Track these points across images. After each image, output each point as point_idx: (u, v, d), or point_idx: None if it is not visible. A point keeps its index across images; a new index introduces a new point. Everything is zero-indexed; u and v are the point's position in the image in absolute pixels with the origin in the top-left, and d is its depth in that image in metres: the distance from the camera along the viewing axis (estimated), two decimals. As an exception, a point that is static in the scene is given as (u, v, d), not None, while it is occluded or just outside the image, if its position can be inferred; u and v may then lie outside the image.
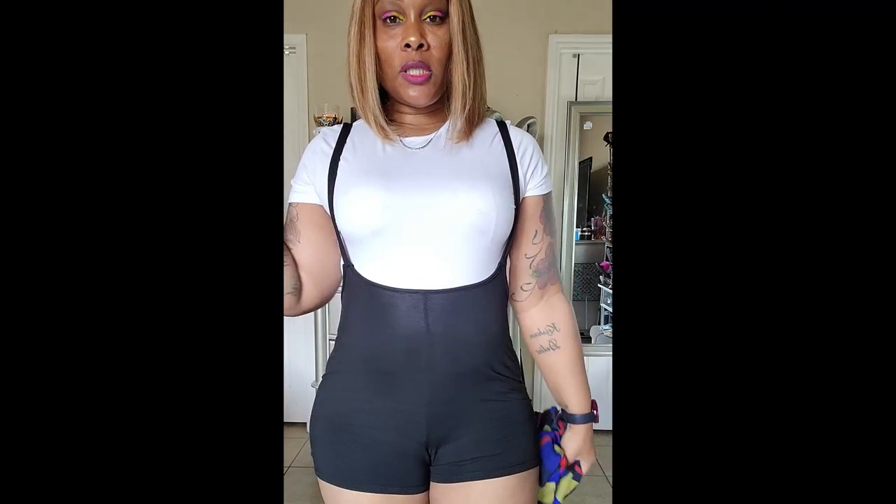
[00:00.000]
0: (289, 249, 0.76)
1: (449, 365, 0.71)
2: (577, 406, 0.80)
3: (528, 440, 0.77)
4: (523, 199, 0.76)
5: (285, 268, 0.73)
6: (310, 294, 0.77)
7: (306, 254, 0.76)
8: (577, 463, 0.81)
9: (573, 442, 0.80)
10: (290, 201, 0.78)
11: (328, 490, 0.76)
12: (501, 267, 0.74)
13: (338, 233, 0.74)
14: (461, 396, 0.72)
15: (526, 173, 0.75)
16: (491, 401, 0.74)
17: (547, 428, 0.82)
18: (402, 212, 0.68)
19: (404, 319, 0.69)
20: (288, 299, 0.74)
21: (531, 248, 0.77)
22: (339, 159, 0.74)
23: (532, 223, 0.77)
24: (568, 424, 0.81)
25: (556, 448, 0.80)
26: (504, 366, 0.76)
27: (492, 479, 0.73)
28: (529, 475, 0.76)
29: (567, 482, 0.80)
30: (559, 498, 0.81)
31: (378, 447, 0.72)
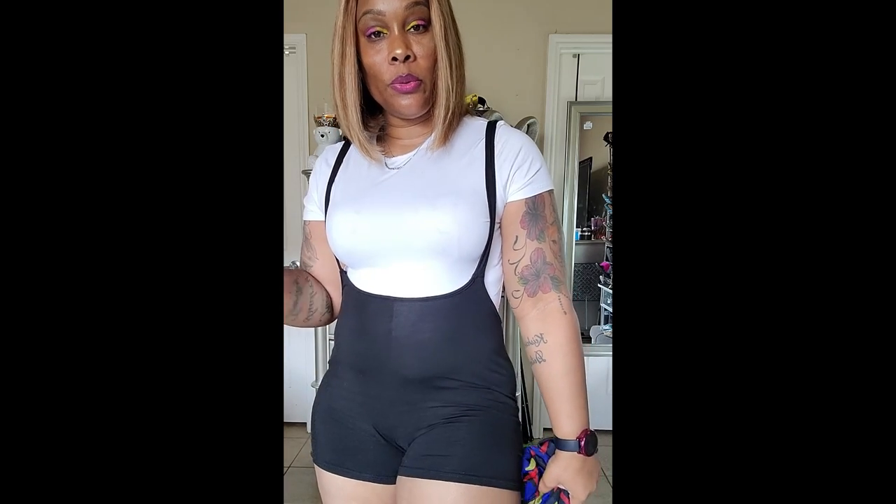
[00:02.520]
0: (308, 271, 0.85)
1: (414, 369, 0.72)
2: (561, 430, 0.72)
3: (507, 459, 0.73)
4: (505, 204, 0.74)
5: (316, 294, 0.82)
6: (337, 301, 0.85)
7: (325, 269, 0.84)
8: (563, 492, 0.73)
9: (553, 466, 0.72)
10: (304, 218, 0.85)
11: (317, 473, 0.82)
12: (476, 277, 0.73)
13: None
14: (431, 398, 0.73)
15: (505, 181, 0.73)
16: (466, 406, 0.73)
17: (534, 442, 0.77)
18: (369, 234, 0.72)
19: (373, 322, 0.74)
20: (326, 316, 0.85)
21: (513, 255, 0.74)
22: (333, 181, 0.80)
23: (512, 229, 0.74)
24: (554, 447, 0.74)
25: (532, 462, 0.75)
26: (490, 372, 0.75)
27: (451, 483, 0.69)
28: (499, 496, 0.70)
29: None
30: None
31: (356, 435, 0.77)
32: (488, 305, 0.75)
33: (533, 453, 0.76)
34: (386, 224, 0.71)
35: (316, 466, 0.81)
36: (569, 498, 0.73)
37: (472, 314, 0.74)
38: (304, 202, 0.85)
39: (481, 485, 0.69)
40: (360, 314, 0.75)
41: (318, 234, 0.82)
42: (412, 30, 0.69)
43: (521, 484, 0.74)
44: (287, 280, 0.78)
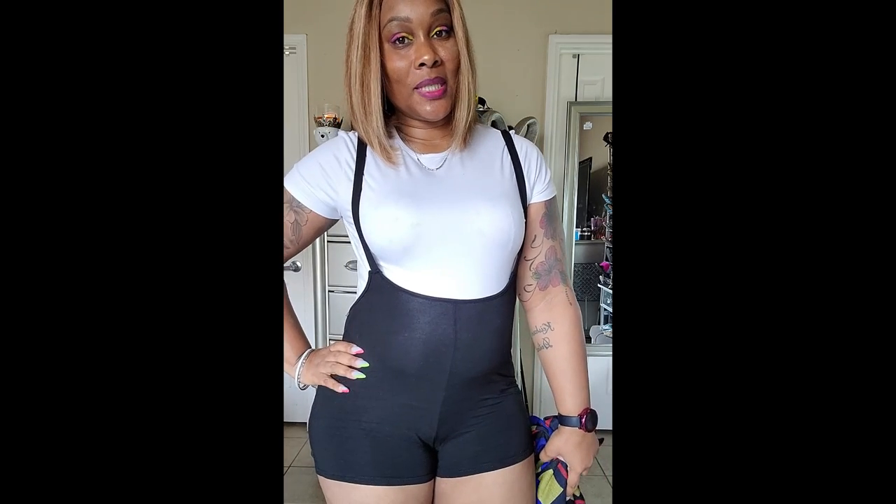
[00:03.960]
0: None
1: (468, 369, 0.75)
2: (565, 407, 0.81)
3: (524, 430, 0.83)
4: (528, 206, 0.80)
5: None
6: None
7: (293, 253, 0.82)
8: (561, 463, 0.80)
9: (555, 438, 0.81)
10: (302, 202, 0.77)
11: (334, 487, 0.77)
12: (513, 277, 0.79)
13: (364, 244, 0.75)
14: (471, 396, 0.77)
15: (532, 183, 0.80)
16: (495, 397, 0.80)
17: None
18: (430, 231, 0.71)
19: (432, 325, 0.72)
20: None
21: (531, 252, 0.81)
22: (363, 175, 0.75)
23: (532, 228, 0.81)
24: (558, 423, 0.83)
25: (534, 427, 0.86)
26: (505, 366, 0.82)
27: (497, 471, 0.78)
28: (530, 461, 0.82)
29: (547, 480, 0.80)
30: (540, 498, 0.80)
31: (388, 440, 0.76)
32: (515, 300, 0.82)
33: (537, 424, 0.86)
34: (450, 221, 0.72)
35: (334, 481, 0.77)
36: (566, 470, 0.79)
37: (510, 310, 0.79)
38: (299, 177, 0.77)
39: (511, 465, 0.79)
40: (410, 317, 0.72)
41: (315, 226, 0.78)
42: (435, 36, 0.71)
43: (532, 444, 0.84)
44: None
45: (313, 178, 0.76)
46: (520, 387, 2.45)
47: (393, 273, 0.74)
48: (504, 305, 0.77)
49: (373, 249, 0.74)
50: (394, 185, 0.74)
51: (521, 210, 0.77)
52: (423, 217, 0.71)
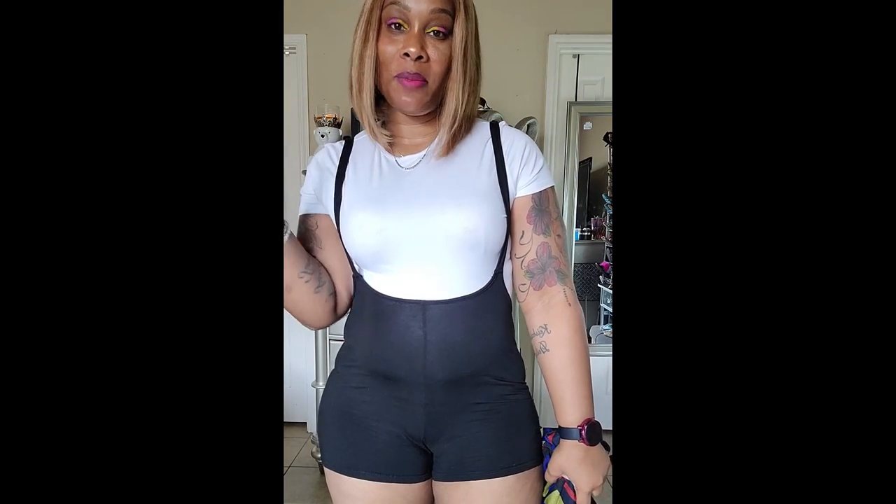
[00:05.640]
0: (315, 257, 0.80)
1: (446, 371, 0.73)
2: (563, 418, 0.74)
3: (528, 440, 0.77)
4: (513, 201, 0.77)
5: (325, 272, 0.78)
6: (342, 297, 0.82)
7: (333, 259, 0.80)
8: (567, 483, 0.74)
9: (557, 455, 0.74)
10: (305, 212, 0.82)
11: (330, 476, 0.80)
12: (497, 273, 0.76)
13: (345, 248, 0.78)
14: (459, 400, 0.75)
15: (516, 177, 0.76)
16: (490, 404, 0.76)
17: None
18: (396, 234, 0.72)
19: (403, 327, 0.73)
20: (330, 302, 0.79)
21: (520, 249, 0.77)
22: (342, 180, 0.78)
23: (520, 224, 0.76)
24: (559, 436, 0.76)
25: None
26: (505, 369, 0.77)
27: (490, 479, 0.74)
28: (529, 475, 0.76)
29: (554, 503, 0.74)
30: None
31: (378, 437, 0.76)
32: (507, 300, 0.78)
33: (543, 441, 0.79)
34: (414, 224, 0.71)
35: (330, 471, 0.79)
36: (573, 490, 0.73)
37: (496, 310, 0.76)
38: (301, 195, 0.82)
39: (509, 474, 0.74)
40: (384, 319, 0.74)
41: (327, 226, 0.80)
42: (432, 34, 0.70)
43: (541, 454, 0.78)
44: (293, 248, 0.74)
45: (307, 189, 0.81)
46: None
47: (370, 277, 0.76)
48: (485, 305, 0.74)
49: (351, 255, 0.77)
50: (364, 192, 0.76)
51: (501, 206, 0.74)
52: (386, 222, 0.72)
